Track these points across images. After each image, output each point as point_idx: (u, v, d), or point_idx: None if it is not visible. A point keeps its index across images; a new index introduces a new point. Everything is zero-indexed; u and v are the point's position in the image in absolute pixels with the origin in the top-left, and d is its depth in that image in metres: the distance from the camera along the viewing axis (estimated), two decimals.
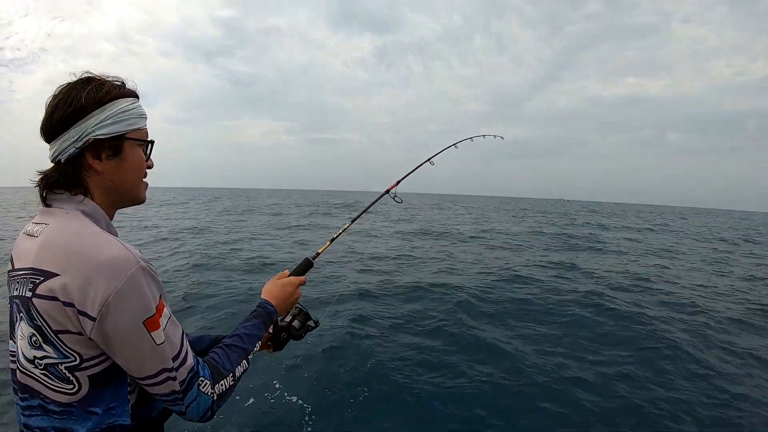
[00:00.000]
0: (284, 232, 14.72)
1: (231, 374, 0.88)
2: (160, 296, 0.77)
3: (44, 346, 0.73)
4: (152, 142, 0.90)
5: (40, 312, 0.71)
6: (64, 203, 0.80)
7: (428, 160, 2.01)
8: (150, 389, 0.77)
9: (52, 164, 0.82)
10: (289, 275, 1.21)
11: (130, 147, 0.85)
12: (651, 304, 6.36)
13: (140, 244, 10.51)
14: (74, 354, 0.72)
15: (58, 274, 0.70)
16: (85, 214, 0.80)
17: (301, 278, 1.21)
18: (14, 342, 0.79)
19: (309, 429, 2.97)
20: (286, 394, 3.35)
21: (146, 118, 0.88)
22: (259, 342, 1.01)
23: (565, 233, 17.42)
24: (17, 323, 0.77)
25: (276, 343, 1.20)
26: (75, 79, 0.81)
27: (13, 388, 0.80)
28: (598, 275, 8.40)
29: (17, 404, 0.78)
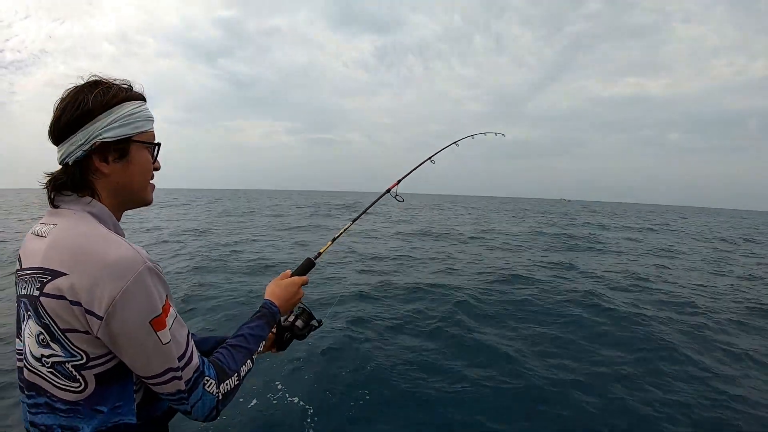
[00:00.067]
0: (285, 233, 14.73)
1: (236, 374, 0.89)
2: (167, 296, 0.78)
3: (51, 344, 0.73)
4: (159, 145, 0.91)
5: (48, 310, 0.72)
6: (72, 204, 0.81)
7: (429, 158, 2.01)
8: (156, 388, 0.78)
9: (60, 166, 0.83)
10: (291, 275, 1.21)
11: (136, 149, 0.86)
12: (650, 305, 6.36)
13: (142, 247, 10.49)
14: (81, 352, 0.73)
15: (65, 274, 0.71)
16: (93, 215, 0.81)
17: (304, 278, 1.22)
18: (21, 340, 0.80)
19: (310, 430, 2.98)
20: (287, 395, 3.36)
21: (153, 120, 0.89)
22: (263, 342, 1.01)
23: (566, 233, 17.41)
24: (25, 322, 0.78)
25: (280, 343, 1.20)
26: (82, 82, 0.82)
27: (20, 386, 0.80)
28: (597, 275, 8.40)
29: (24, 402, 0.79)
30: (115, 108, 0.81)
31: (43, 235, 0.79)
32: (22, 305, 0.79)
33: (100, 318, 0.70)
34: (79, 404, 0.74)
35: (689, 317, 5.78)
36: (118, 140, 0.82)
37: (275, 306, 1.10)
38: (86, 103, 0.79)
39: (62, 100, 0.81)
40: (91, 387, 0.74)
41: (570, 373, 3.89)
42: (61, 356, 0.73)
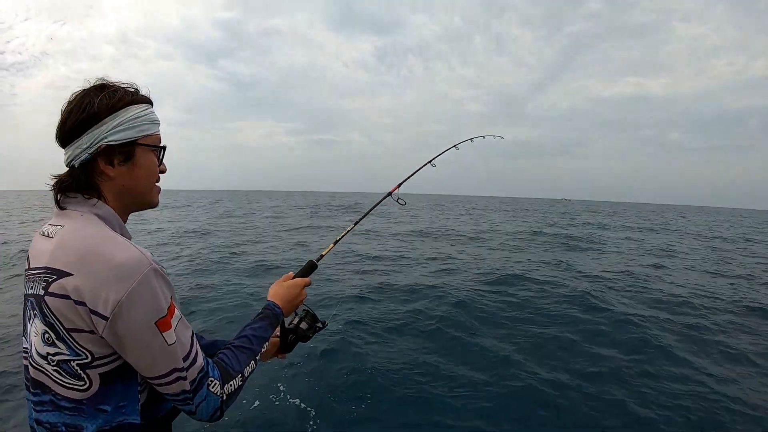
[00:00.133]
0: (285, 234, 14.73)
1: (239, 375, 0.89)
2: (171, 297, 0.78)
3: (57, 343, 0.74)
4: (164, 148, 0.92)
5: (52, 310, 0.73)
6: (78, 206, 0.82)
7: (430, 162, 2.01)
8: (160, 389, 0.78)
9: (67, 168, 0.84)
10: (294, 277, 1.22)
11: (142, 152, 0.87)
12: (649, 305, 6.36)
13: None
14: (86, 352, 0.73)
15: (71, 274, 0.72)
16: (99, 217, 0.82)
17: (306, 279, 1.22)
18: (27, 339, 0.81)
19: (311, 431, 2.99)
20: (289, 396, 3.37)
21: (159, 123, 0.90)
22: (267, 343, 1.02)
23: (566, 233, 17.41)
24: (31, 320, 0.79)
25: (284, 345, 1.21)
26: (89, 85, 0.83)
27: (26, 383, 0.81)
28: (597, 275, 8.40)
29: (29, 400, 0.80)
30: (120, 111, 0.82)
31: (51, 235, 0.80)
32: (29, 304, 0.80)
33: (105, 318, 0.71)
34: (84, 403, 0.75)
35: (688, 317, 5.77)
36: (123, 143, 0.83)
37: (278, 307, 1.11)
38: (92, 107, 0.80)
39: (69, 103, 0.82)
40: (96, 386, 0.75)
41: (568, 374, 3.89)
42: (67, 355, 0.74)
